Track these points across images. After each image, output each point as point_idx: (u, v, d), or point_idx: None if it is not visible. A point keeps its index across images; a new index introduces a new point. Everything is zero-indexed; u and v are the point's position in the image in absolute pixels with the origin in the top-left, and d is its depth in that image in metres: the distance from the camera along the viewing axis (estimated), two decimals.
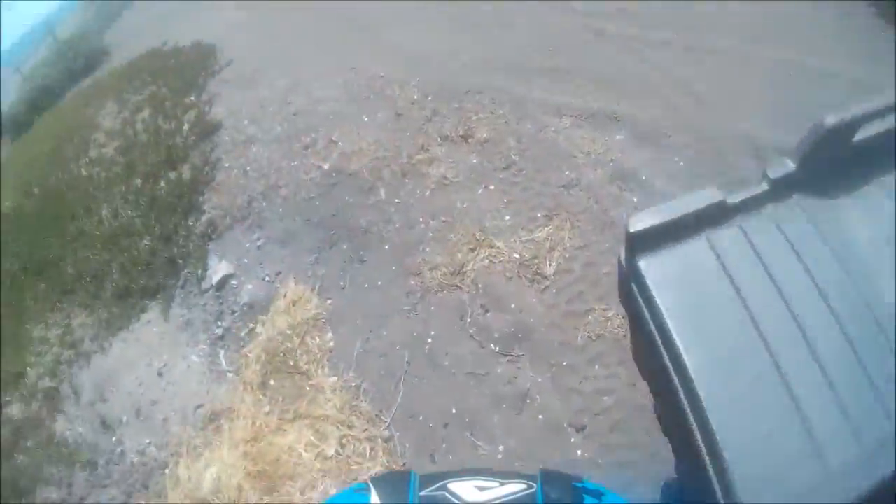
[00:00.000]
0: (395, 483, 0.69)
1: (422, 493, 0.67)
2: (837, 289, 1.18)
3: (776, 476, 0.88)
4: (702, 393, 0.99)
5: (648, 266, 1.25)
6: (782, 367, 1.04)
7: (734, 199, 1.37)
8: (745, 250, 1.34)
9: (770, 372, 1.05)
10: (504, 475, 0.78)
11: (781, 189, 1.37)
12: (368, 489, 0.68)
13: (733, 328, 1.14)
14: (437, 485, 0.68)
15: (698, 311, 1.19)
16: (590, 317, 2.46)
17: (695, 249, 1.32)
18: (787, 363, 1.04)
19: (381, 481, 0.69)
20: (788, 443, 0.92)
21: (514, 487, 0.68)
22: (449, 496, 0.66)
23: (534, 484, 0.69)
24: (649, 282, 1.22)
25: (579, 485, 0.71)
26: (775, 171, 1.36)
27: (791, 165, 1.35)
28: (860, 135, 1.31)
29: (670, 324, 1.14)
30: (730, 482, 0.84)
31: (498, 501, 0.66)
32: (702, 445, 0.92)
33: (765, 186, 1.36)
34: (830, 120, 1.25)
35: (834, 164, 1.37)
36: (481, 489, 0.68)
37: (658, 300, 1.16)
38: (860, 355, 1.06)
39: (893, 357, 1.04)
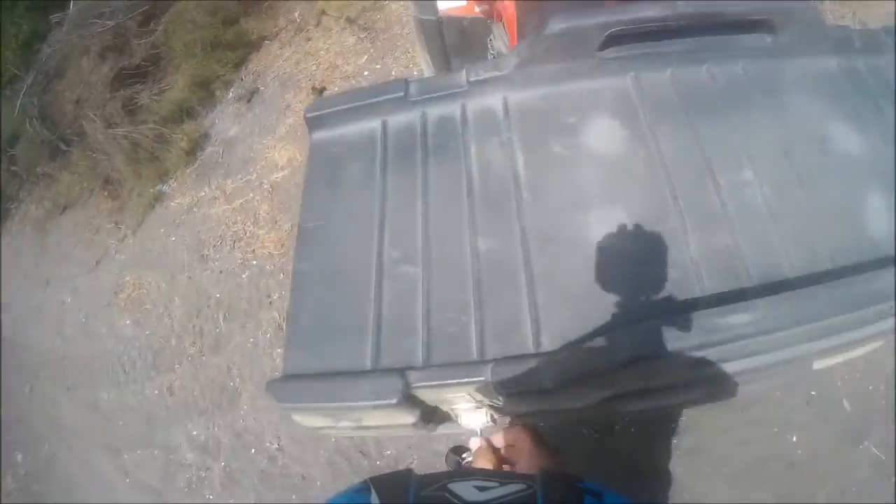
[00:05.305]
0: (394, 483, 0.69)
1: (422, 494, 0.67)
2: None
3: None
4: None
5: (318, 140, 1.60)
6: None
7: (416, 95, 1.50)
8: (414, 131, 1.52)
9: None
10: (504, 475, 0.78)
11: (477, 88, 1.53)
12: (369, 489, 0.68)
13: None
14: (437, 485, 0.68)
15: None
16: None
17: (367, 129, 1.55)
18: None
19: (380, 481, 0.69)
20: None
21: (515, 487, 0.68)
22: (449, 496, 0.66)
23: (534, 484, 0.69)
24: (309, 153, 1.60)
25: (580, 485, 0.71)
26: (476, 74, 1.53)
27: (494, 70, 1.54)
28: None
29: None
30: None
31: (498, 502, 0.66)
32: None
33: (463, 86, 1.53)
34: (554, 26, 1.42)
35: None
36: (481, 489, 0.68)
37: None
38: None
39: None
